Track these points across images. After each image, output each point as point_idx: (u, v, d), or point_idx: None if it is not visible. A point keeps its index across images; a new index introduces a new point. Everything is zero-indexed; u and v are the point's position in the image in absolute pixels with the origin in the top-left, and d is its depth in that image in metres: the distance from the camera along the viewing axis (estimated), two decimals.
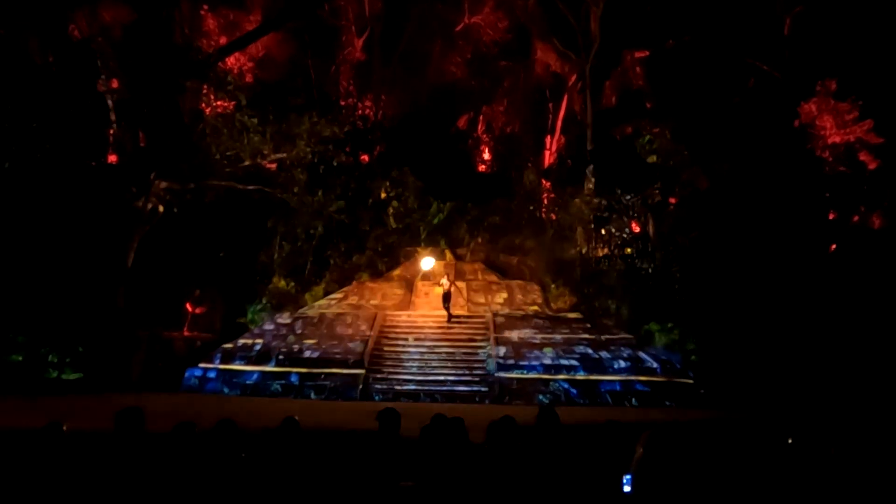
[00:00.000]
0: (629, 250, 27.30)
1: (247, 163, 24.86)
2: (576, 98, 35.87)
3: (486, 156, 37.65)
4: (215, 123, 24.34)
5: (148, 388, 20.57)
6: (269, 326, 24.13)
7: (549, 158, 36.04)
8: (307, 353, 21.84)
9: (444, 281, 24.32)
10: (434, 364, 21.36)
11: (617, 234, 27.87)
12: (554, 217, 30.20)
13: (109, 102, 24.04)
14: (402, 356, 22.09)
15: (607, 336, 22.77)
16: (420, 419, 6.74)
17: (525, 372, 20.65)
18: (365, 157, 33.04)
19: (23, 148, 21.59)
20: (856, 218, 26.21)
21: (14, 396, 17.11)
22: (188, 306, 26.02)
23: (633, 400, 19.82)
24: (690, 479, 1.86)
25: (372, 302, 25.56)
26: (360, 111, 34.52)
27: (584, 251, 28.10)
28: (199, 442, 5.30)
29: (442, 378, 20.77)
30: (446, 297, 23.78)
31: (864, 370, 20.13)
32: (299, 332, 23.32)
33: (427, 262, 25.86)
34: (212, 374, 21.72)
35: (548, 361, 21.12)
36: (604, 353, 21.56)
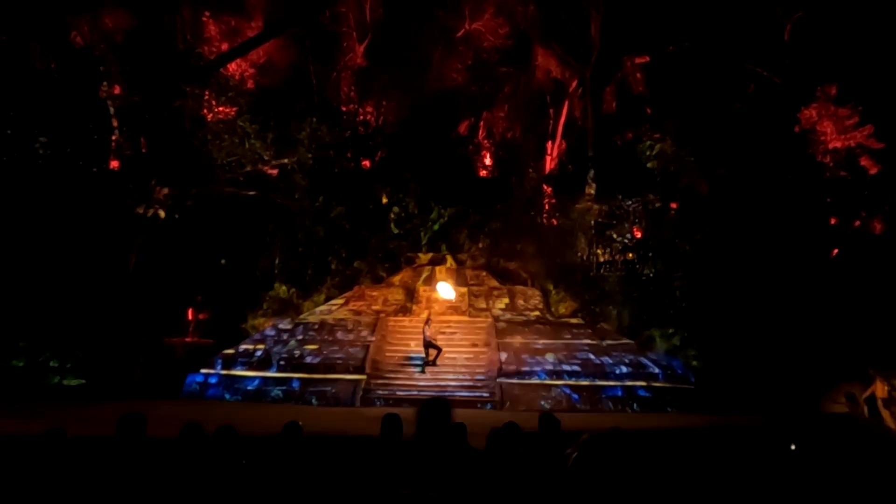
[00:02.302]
0: (630, 256, 27.29)
1: (248, 168, 24.88)
2: (576, 104, 35.93)
3: (487, 161, 37.69)
4: (217, 129, 24.37)
5: (149, 394, 20.55)
6: (270, 332, 24.12)
7: (549, 164, 36.06)
8: (308, 359, 21.83)
9: (426, 327, 21.67)
10: (435, 369, 21.34)
11: (618, 239, 27.87)
12: (555, 222, 30.20)
13: (111, 108, 24.09)
14: (404, 361, 22.07)
15: (609, 341, 22.77)
16: None
17: (526, 378, 20.62)
18: (366, 163, 33.09)
19: (25, 154, 21.63)
20: (857, 223, 26.20)
21: (15, 402, 17.10)
22: (190, 312, 26.02)
23: (635, 405, 19.81)
24: (630, 489, 1.84)
25: (373, 307, 25.57)
26: (361, 117, 34.59)
27: (585, 256, 28.09)
28: (200, 448, 5.30)
29: (443, 383, 20.75)
30: (427, 344, 21.41)
31: (865, 375, 20.09)
32: (300, 337, 23.31)
33: (445, 290, 22.87)
34: (213, 380, 21.70)
35: (549, 367, 21.11)
36: (605, 359, 21.56)
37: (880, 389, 19.10)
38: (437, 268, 28.41)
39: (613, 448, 1.94)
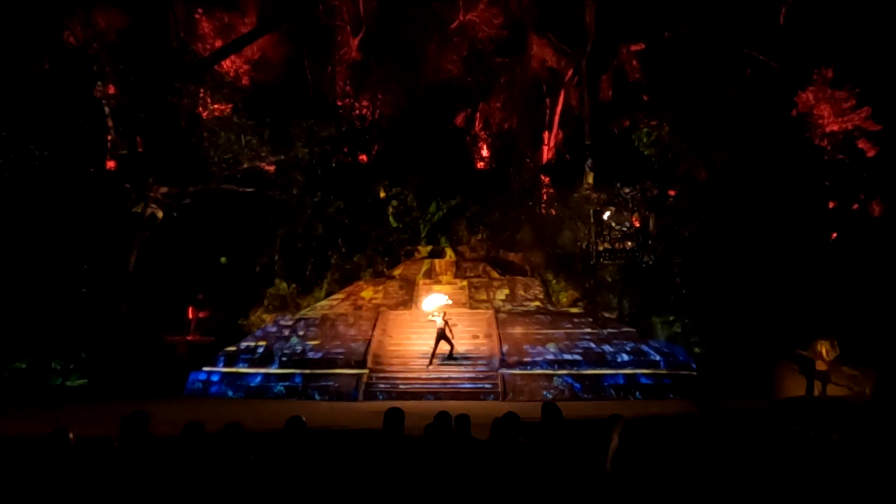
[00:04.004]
0: (630, 244, 27.27)
1: (245, 165, 24.85)
2: (573, 92, 35.85)
3: (485, 152, 37.61)
4: (212, 127, 24.33)
5: (152, 393, 20.56)
6: (271, 328, 24.15)
7: (547, 154, 36.04)
8: (310, 355, 21.85)
9: (439, 319, 21.12)
10: (437, 362, 21.36)
11: (617, 227, 27.84)
12: (553, 212, 30.18)
13: (106, 108, 24.03)
14: (405, 355, 22.10)
15: (610, 330, 22.80)
16: (424, 417, 6.76)
17: (528, 368, 20.65)
18: (363, 157, 33.02)
19: (20, 155, 21.58)
20: (855, 206, 26.18)
21: (18, 404, 17.13)
22: (191, 311, 26.02)
23: (637, 393, 19.84)
24: (673, 471, 1.82)
25: (373, 301, 25.58)
26: (357, 111, 34.49)
27: (584, 245, 28.08)
28: (207, 445, 5.31)
29: (445, 376, 20.78)
30: (440, 336, 20.88)
31: (866, 358, 20.13)
32: (302, 333, 23.34)
33: (433, 301, 22.59)
34: (215, 378, 21.72)
35: (551, 357, 21.14)
36: (607, 347, 21.59)
37: (824, 350, 19.75)
38: (437, 260, 28.42)
39: (658, 434, 1.92)
